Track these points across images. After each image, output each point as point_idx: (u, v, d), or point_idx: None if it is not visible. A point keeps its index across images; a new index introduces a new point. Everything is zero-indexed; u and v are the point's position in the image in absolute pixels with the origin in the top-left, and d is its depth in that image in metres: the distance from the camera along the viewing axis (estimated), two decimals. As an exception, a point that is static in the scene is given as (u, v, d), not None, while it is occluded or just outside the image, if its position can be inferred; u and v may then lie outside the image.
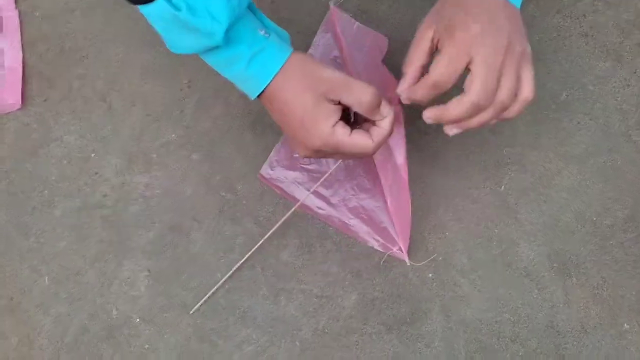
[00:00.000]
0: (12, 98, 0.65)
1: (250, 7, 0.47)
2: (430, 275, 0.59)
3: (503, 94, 0.43)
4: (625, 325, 0.57)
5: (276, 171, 0.61)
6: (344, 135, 0.46)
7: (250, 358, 0.57)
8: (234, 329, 0.58)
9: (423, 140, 0.62)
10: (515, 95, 0.44)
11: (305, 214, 0.61)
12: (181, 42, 0.45)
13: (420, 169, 0.61)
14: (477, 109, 0.44)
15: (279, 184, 0.60)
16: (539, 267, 0.58)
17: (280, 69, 0.46)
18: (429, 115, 0.46)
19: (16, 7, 0.68)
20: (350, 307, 0.58)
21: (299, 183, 0.60)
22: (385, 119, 0.47)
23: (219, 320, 0.59)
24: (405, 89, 0.47)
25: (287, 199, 0.60)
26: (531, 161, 0.61)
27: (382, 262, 0.59)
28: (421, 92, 0.46)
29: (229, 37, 0.44)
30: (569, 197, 0.60)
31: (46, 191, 0.63)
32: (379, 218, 0.59)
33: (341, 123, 0.46)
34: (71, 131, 0.65)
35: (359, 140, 0.46)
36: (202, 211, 0.61)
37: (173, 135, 0.64)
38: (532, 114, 0.61)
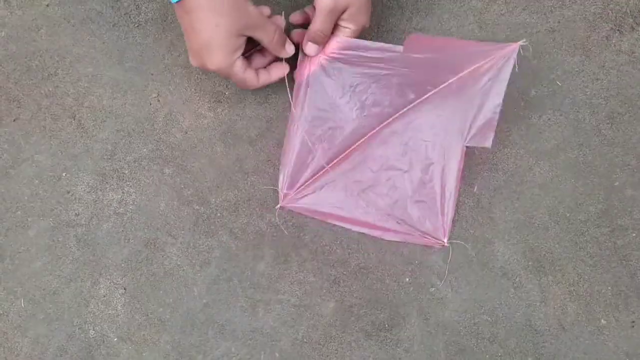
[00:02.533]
0: (-19, 120, 0.64)
1: None
2: (407, 279, 0.59)
3: None
4: (602, 320, 0.57)
5: (292, 200, 0.61)
6: (239, 70, 0.53)
7: (230, 371, 0.57)
8: (214, 343, 0.58)
9: (395, 144, 0.61)
10: None
11: (280, 225, 0.60)
12: None
13: (392, 172, 0.61)
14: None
15: (304, 210, 0.61)
16: (514, 265, 0.58)
17: None
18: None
19: (-19, 28, 0.67)
20: (329, 315, 0.58)
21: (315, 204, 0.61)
22: (276, 71, 0.57)
23: (198, 334, 0.58)
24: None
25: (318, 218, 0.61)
26: (502, 159, 0.60)
27: (359, 268, 0.59)
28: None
29: None
30: (541, 194, 0.60)
31: (19, 212, 0.63)
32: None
33: (241, 58, 0.53)
34: (42, 150, 0.64)
35: (249, 78, 0.54)
36: (176, 225, 0.61)
37: (144, 149, 0.63)
38: (502, 112, 0.61)
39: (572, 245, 0.58)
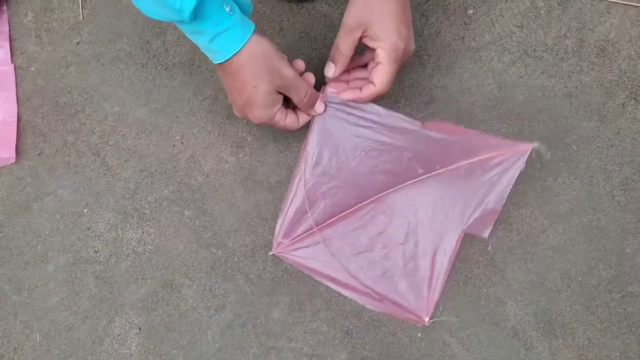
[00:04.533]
0: (7, 152, 0.66)
1: None
2: (419, 334, 0.59)
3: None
4: (610, 386, 0.58)
5: (285, 250, 0.61)
6: (279, 119, 0.56)
7: (240, 418, 0.58)
8: (225, 388, 0.59)
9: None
10: None
11: (296, 273, 0.61)
12: (152, 12, 0.50)
13: (409, 227, 0.62)
14: (379, 97, 0.57)
15: (294, 262, 0.61)
16: (526, 326, 0.59)
17: (243, 50, 0.52)
18: (348, 97, 0.58)
19: (12, 62, 0.69)
20: (340, 366, 0.59)
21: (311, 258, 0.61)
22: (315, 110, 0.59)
23: (210, 379, 0.59)
24: (347, 90, 0.58)
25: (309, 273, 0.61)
26: (517, 220, 0.62)
27: (372, 320, 0.59)
28: (365, 98, 0.57)
29: (196, 14, 0.49)
30: (554, 256, 0.61)
31: (39, 246, 0.64)
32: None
33: (281, 109, 0.56)
34: (65, 185, 0.65)
35: (289, 123, 0.57)
36: (193, 268, 0.62)
37: (165, 190, 0.64)
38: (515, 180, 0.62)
39: (584, 310, 0.59)
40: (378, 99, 0.57)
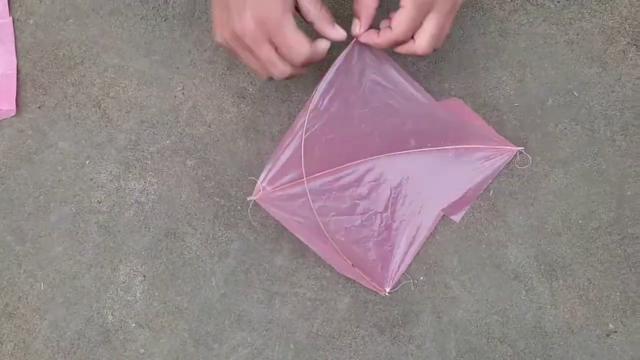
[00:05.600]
0: (7, 105, 0.65)
1: None
2: (421, 277, 0.60)
3: (426, 37, 0.47)
4: (610, 325, 0.58)
5: (267, 198, 0.56)
6: (289, 23, 0.42)
7: (245, 361, 0.58)
8: (230, 333, 0.59)
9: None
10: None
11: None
12: None
13: (411, 173, 0.62)
14: (399, 44, 0.48)
15: (273, 213, 0.57)
16: (526, 269, 0.60)
17: None
18: (363, 40, 0.49)
19: (10, 15, 0.68)
20: (344, 309, 0.60)
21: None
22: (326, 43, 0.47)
23: (215, 324, 0.60)
24: (362, 35, 0.49)
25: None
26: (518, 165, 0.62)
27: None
28: (381, 44, 0.48)
29: None
30: (555, 200, 0.61)
31: (42, 197, 0.64)
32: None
33: (292, 20, 0.43)
34: (66, 137, 0.65)
35: (299, 39, 0.43)
36: (196, 217, 0.62)
37: (167, 141, 0.64)
38: (519, 119, 0.63)
39: (584, 251, 0.60)
40: (413, 54, 0.49)
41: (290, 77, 0.48)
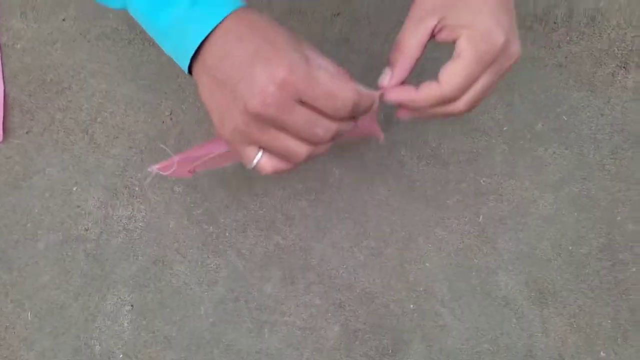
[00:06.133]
0: (-6, 131, 0.65)
1: None
2: (411, 306, 0.60)
3: (471, 95, 0.37)
4: (601, 353, 0.58)
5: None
6: (319, 68, 0.34)
7: (234, 391, 0.58)
8: (218, 362, 0.59)
9: (402, 171, 0.63)
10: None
11: (288, 247, 0.61)
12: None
13: (400, 199, 0.62)
14: (444, 103, 0.37)
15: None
16: (517, 295, 0.59)
17: (229, 16, 0.35)
18: (395, 98, 0.38)
19: (-3, 40, 0.68)
20: (334, 338, 0.59)
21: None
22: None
23: (204, 353, 0.59)
24: (394, 88, 0.38)
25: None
26: (508, 190, 0.62)
27: (364, 293, 0.60)
28: (420, 102, 0.37)
29: None
30: (545, 226, 0.61)
31: (29, 224, 0.63)
32: None
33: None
34: (54, 163, 0.65)
35: (338, 82, 0.34)
36: (185, 244, 0.62)
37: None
38: (508, 144, 0.62)
39: (574, 278, 0.60)
40: (448, 116, 0.39)
41: (335, 139, 0.36)
